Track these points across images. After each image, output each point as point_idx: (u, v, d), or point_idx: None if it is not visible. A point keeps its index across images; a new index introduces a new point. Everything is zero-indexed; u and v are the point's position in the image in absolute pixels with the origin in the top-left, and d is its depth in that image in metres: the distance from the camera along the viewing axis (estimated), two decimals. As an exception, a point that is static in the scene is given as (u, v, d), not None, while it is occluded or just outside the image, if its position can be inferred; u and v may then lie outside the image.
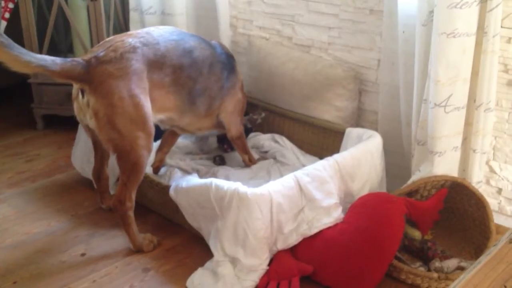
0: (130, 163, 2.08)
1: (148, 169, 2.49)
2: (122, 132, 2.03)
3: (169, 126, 2.43)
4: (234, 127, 2.58)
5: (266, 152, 2.80)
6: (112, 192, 2.47)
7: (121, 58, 2.03)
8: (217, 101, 2.44)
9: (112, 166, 2.41)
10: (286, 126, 2.84)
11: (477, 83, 2.12)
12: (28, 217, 2.42)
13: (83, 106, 2.06)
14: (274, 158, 2.72)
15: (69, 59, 2.00)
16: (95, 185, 2.44)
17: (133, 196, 2.14)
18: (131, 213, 2.15)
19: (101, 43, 2.17)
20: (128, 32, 2.23)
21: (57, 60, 1.95)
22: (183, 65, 2.24)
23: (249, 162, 2.68)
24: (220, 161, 2.76)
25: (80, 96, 2.06)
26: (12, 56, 1.82)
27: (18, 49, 1.84)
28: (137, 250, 2.18)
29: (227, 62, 2.49)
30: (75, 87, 2.10)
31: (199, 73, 2.32)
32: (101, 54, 2.03)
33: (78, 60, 2.02)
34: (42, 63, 1.89)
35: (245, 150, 2.67)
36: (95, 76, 2.00)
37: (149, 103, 2.10)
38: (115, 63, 2.02)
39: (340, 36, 2.68)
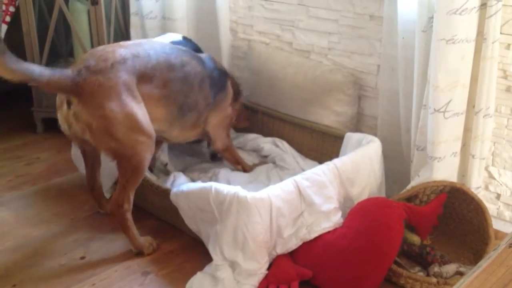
0: (131, 166, 2.07)
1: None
2: (122, 139, 2.02)
3: (156, 136, 2.42)
4: (219, 140, 2.58)
5: (266, 156, 2.81)
6: (107, 195, 2.47)
7: (111, 68, 2.01)
8: (203, 116, 2.44)
9: (109, 170, 2.41)
10: (286, 130, 2.85)
11: (476, 89, 2.13)
12: (27, 220, 2.42)
13: (69, 117, 2.03)
14: (274, 163, 2.73)
15: (58, 70, 1.97)
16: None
17: (131, 198, 2.14)
18: (129, 215, 2.15)
19: (91, 51, 2.14)
20: (120, 43, 2.22)
21: (46, 71, 1.93)
22: (174, 79, 2.23)
23: (244, 172, 2.66)
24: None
25: (65, 106, 2.02)
26: None
27: (8, 56, 1.82)
28: (138, 251, 2.19)
29: (218, 78, 2.48)
30: (60, 96, 2.06)
31: (191, 89, 2.31)
32: (92, 64, 2.01)
33: (67, 72, 1.98)
34: (27, 72, 1.87)
35: (235, 161, 2.66)
36: (85, 88, 1.97)
37: (143, 109, 2.08)
38: (105, 73, 1.99)
39: (340, 41, 2.69)
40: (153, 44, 2.26)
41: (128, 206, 2.13)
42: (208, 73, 2.42)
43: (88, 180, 2.37)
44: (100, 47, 2.15)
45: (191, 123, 2.39)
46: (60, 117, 2.09)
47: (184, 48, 2.44)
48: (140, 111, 2.06)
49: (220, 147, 2.60)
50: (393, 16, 2.31)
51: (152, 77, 2.15)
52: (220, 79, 2.51)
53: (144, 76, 2.11)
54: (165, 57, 2.22)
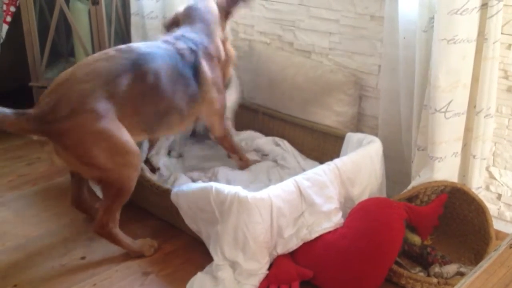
0: (116, 189, 2.03)
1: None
2: (107, 166, 1.98)
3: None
4: (217, 127, 2.47)
5: (266, 155, 2.80)
6: None
7: (82, 105, 1.91)
8: (186, 112, 2.26)
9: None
10: (287, 131, 2.85)
11: (477, 89, 2.13)
12: (28, 220, 2.42)
13: (51, 153, 1.99)
14: (275, 161, 2.73)
15: (21, 113, 1.91)
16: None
17: (117, 215, 2.10)
18: (115, 231, 2.12)
19: (55, 86, 1.98)
20: (82, 67, 2.02)
21: (8, 111, 1.89)
22: (143, 93, 2.08)
23: (240, 161, 2.60)
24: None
25: (45, 145, 1.98)
26: None
27: None
28: (137, 256, 2.18)
29: (194, 69, 2.25)
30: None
31: (160, 97, 2.14)
32: (58, 105, 1.91)
33: (31, 114, 1.91)
34: None
35: (233, 150, 2.58)
36: (60, 132, 1.91)
37: (123, 129, 2.01)
38: (77, 114, 1.90)
39: (341, 41, 2.69)
40: (119, 58, 2.06)
41: (114, 224, 2.10)
42: (182, 68, 2.21)
43: (74, 197, 2.31)
44: (64, 77, 2.00)
45: (175, 122, 2.26)
46: (44, 152, 2.03)
47: (160, 45, 2.25)
48: (122, 133, 2.00)
49: (218, 134, 2.50)
50: (394, 16, 2.31)
51: (122, 100, 2.01)
52: (195, 72, 2.26)
53: (115, 102, 1.99)
54: (131, 75, 2.04)
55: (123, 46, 2.16)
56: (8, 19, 3.08)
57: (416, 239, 2.18)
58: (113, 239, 2.14)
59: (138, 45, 2.21)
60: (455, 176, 2.26)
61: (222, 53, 2.44)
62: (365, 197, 2.26)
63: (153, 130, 2.21)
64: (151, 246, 2.21)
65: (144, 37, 3.12)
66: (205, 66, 2.31)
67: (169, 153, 2.83)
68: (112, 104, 1.98)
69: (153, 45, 2.22)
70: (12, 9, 3.08)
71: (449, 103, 2.11)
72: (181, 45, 2.27)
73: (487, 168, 2.32)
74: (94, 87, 1.95)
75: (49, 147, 1.97)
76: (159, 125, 2.21)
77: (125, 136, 2.01)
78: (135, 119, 2.09)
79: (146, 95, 2.10)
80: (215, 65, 2.38)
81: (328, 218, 2.09)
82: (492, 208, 2.31)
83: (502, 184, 2.32)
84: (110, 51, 2.12)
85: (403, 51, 2.30)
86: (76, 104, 1.91)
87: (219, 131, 2.50)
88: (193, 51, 2.27)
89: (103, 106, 1.95)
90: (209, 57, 2.35)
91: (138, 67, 2.07)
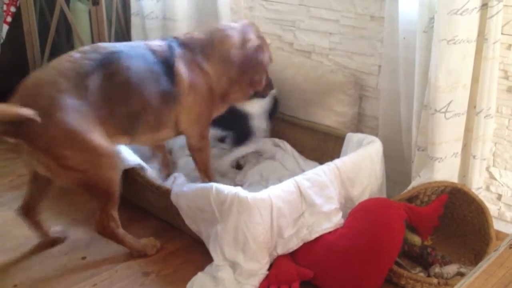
0: (101, 190, 2.02)
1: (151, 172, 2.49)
2: (82, 167, 1.96)
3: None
4: (192, 138, 2.33)
5: (263, 155, 2.80)
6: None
7: (52, 109, 1.89)
8: (163, 113, 2.19)
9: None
10: (287, 131, 2.85)
11: (477, 89, 2.13)
12: (28, 220, 2.42)
13: (29, 157, 1.98)
14: (273, 158, 2.72)
15: None
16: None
17: (115, 214, 2.09)
18: (119, 230, 2.12)
19: (26, 89, 1.96)
20: (58, 65, 2.01)
21: None
22: (113, 91, 2.05)
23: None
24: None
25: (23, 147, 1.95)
26: None
27: None
28: (140, 255, 2.18)
29: (167, 66, 2.17)
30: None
31: (131, 94, 2.08)
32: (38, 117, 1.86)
33: None
34: None
35: (204, 168, 2.40)
36: (34, 136, 1.89)
37: (97, 129, 1.98)
38: (49, 119, 1.87)
39: (341, 42, 2.70)
40: (87, 58, 2.02)
41: (115, 224, 2.10)
42: (150, 69, 2.14)
43: (24, 205, 2.19)
44: (32, 79, 1.99)
45: (150, 125, 2.18)
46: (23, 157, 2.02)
47: (131, 43, 2.21)
48: (95, 134, 1.97)
49: (194, 143, 2.35)
50: (394, 16, 2.31)
51: (92, 97, 1.99)
52: (168, 70, 2.17)
53: (84, 98, 1.96)
54: (98, 70, 2.02)
55: (88, 46, 2.13)
56: (9, 19, 3.09)
57: (416, 239, 2.18)
58: (117, 239, 2.14)
59: (104, 44, 2.17)
60: (455, 176, 2.26)
61: (214, 73, 2.30)
62: (365, 197, 2.26)
63: (132, 133, 2.15)
64: (153, 245, 2.21)
65: (145, 38, 3.12)
66: (182, 66, 2.21)
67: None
68: (82, 104, 1.95)
69: (121, 44, 2.20)
70: (13, 9, 3.08)
71: (449, 104, 2.11)
72: (156, 42, 2.23)
73: (487, 169, 2.32)
74: (63, 88, 1.93)
75: (23, 149, 1.95)
76: (137, 127, 2.14)
77: (98, 136, 1.98)
78: (111, 120, 2.05)
79: (116, 93, 2.06)
80: (202, 75, 2.27)
81: (328, 219, 2.10)
82: (492, 208, 2.31)
83: (502, 185, 2.32)
84: (77, 52, 2.09)
85: (403, 52, 2.30)
86: (45, 106, 1.89)
87: (195, 141, 2.34)
88: (170, 49, 2.21)
89: (73, 107, 1.93)
90: (195, 66, 2.25)
91: (106, 66, 2.04)
